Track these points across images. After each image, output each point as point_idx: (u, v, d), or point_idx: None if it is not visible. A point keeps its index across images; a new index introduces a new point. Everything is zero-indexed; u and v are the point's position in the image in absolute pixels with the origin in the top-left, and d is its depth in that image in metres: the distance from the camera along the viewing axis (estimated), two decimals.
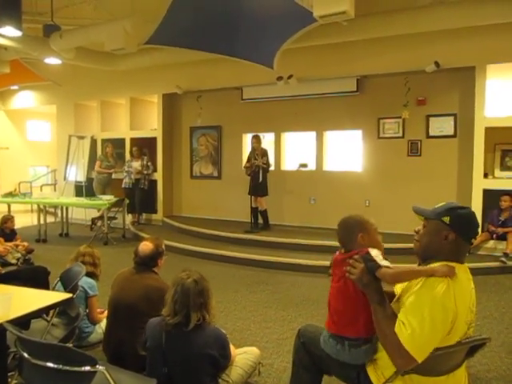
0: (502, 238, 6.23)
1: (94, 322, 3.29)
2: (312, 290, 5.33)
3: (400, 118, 7.29)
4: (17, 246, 6.29)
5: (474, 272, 1.91)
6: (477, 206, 6.52)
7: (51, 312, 2.76)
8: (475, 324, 1.89)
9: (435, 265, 1.79)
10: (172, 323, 2.27)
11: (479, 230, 1.97)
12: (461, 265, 1.86)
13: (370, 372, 1.90)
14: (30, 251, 6.57)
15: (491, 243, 6.35)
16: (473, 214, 1.89)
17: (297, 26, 5.61)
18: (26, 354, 1.84)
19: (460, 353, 1.87)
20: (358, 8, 4.92)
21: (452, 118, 7.01)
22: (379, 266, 1.79)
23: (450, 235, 1.83)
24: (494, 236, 6.29)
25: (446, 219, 1.84)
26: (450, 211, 1.87)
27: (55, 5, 6.26)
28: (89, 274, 3.42)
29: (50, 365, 1.77)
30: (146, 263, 3.01)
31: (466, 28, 6.02)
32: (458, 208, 1.88)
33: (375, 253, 1.87)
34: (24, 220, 9.63)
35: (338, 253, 2.09)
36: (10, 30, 5.62)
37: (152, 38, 6.16)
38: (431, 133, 7.16)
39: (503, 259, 5.94)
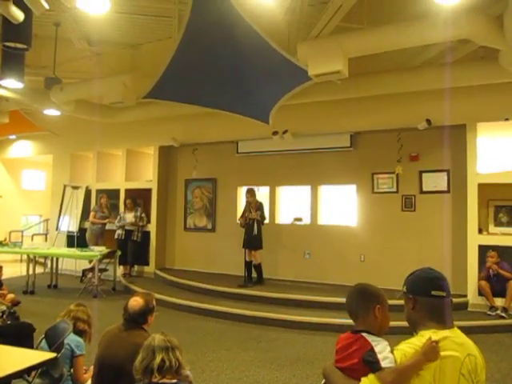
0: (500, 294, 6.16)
1: (79, 383, 3.12)
2: (307, 348, 5.14)
3: (394, 173, 7.37)
4: (0, 296, 6.11)
5: (472, 330, 1.84)
6: (472, 262, 6.48)
7: (33, 372, 2.62)
8: None
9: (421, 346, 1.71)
10: (140, 373, 2.18)
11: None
12: (450, 330, 1.80)
13: None
14: (16, 304, 6.35)
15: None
16: (425, 270, 1.91)
17: (292, 84, 5.77)
18: None
19: None
20: (351, 68, 5.10)
21: (445, 173, 7.09)
22: (380, 368, 1.68)
23: (411, 299, 1.84)
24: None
25: (404, 288, 1.90)
26: (405, 280, 1.92)
27: (57, 59, 6.46)
28: (79, 332, 3.29)
29: None
30: (136, 320, 2.90)
31: (456, 88, 6.20)
32: (410, 274, 1.93)
33: (379, 348, 1.75)
34: (12, 270, 9.41)
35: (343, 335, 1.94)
36: (12, 82, 5.75)
37: (150, 92, 6.31)
38: (425, 188, 7.22)
39: (502, 314, 5.95)
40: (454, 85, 6.08)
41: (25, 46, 4.85)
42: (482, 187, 6.52)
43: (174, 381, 2.18)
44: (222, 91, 6.35)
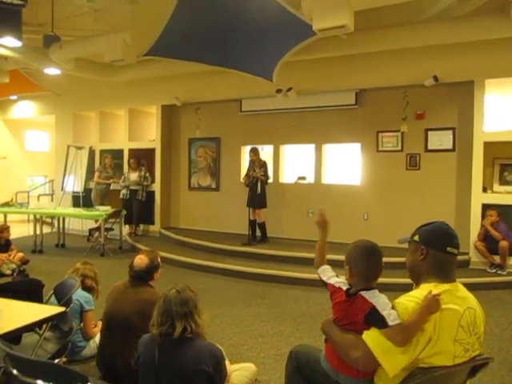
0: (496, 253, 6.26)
1: (89, 337, 3.23)
2: (310, 304, 5.27)
3: (399, 131, 7.29)
4: (10, 255, 6.25)
5: (474, 287, 1.87)
6: (476, 220, 6.51)
7: (44, 326, 2.70)
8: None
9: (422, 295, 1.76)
10: (158, 334, 2.23)
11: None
12: (451, 283, 1.84)
13: None
14: (25, 262, 6.51)
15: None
16: (441, 225, 1.94)
17: (296, 39, 5.62)
18: (15, 371, 1.78)
19: (461, 373, 1.83)
20: (357, 22, 4.93)
21: (451, 132, 7.01)
22: (386, 326, 1.72)
23: (423, 250, 1.89)
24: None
25: (417, 237, 1.94)
26: (418, 229, 1.97)
27: (56, 16, 6.27)
28: (88, 289, 3.38)
29: (40, 383, 1.72)
30: (142, 277, 2.96)
31: (465, 43, 6.05)
32: (425, 225, 1.97)
33: (381, 306, 1.77)
34: (20, 230, 9.56)
35: (336, 285, 1.98)
36: (10, 41, 5.63)
37: (151, 49, 6.18)
38: (430, 146, 7.16)
39: (499, 272, 6.12)
40: (463, 39, 5.92)
41: (21, 2, 4.73)
42: (488, 145, 6.46)
43: (191, 335, 2.24)
44: (224, 48, 6.20)
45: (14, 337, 2.39)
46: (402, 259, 2.08)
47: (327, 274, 2.13)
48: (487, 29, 5.63)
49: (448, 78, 6.62)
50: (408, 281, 2.05)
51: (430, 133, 7.14)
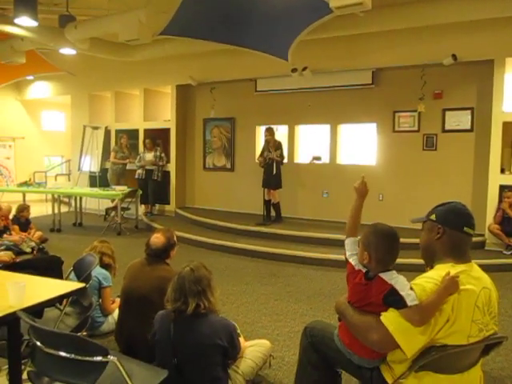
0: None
1: (107, 312, 3.32)
2: (324, 283, 5.31)
3: (416, 111, 7.18)
4: (29, 233, 6.41)
5: (489, 269, 1.87)
6: (492, 201, 6.43)
7: (64, 301, 2.78)
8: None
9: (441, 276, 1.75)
10: (172, 310, 2.29)
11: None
12: (467, 264, 1.84)
13: (383, 370, 1.88)
14: (44, 240, 6.65)
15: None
16: (457, 205, 1.93)
17: (312, 17, 5.53)
18: (38, 343, 1.85)
19: (475, 351, 1.85)
20: None
21: (469, 111, 6.89)
22: (405, 306, 1.71)
23: (440, 229, 1.88)
24: None
25: (433, 216, 1.93)
26: (434, 209, 1.96)
27: None
28: (105, 266, 3.46)
29: (62, 354, 1.78)
30: (158, 255, 3.01)
31: (485, 20, 5.89)
32: (441, 204, 1.96)
33: (400, 286, 1.77)
34: (38, 209, 9.75)
35: (356, 267, 1.95)
36: (26, 20, 5.66)
37: (166, 28, 6.14)
38: (447, 127, 7.05)
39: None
40: (483, 17, 5.76)
41: None
42: (507, 126, 6.34)
43: (204, 311, 2.29)
44: (239, 27, 6.13)
45: (36, 311, 2.46)
46: (417, 240, 2.08)
47: (352, 249, 2.08)
48: (508, 5, 5.46)
49: (467, 57, 6.47)
50: (422, 261, 2.06)
51: (447, 113, 7.02)
